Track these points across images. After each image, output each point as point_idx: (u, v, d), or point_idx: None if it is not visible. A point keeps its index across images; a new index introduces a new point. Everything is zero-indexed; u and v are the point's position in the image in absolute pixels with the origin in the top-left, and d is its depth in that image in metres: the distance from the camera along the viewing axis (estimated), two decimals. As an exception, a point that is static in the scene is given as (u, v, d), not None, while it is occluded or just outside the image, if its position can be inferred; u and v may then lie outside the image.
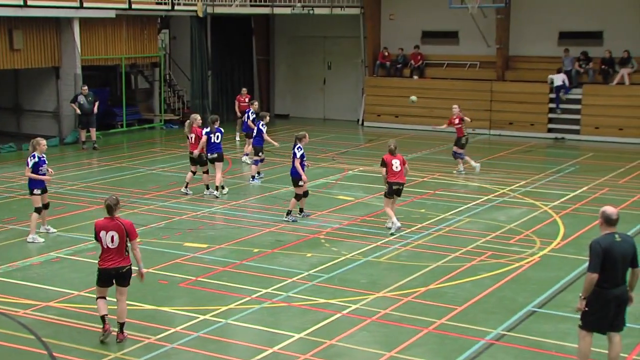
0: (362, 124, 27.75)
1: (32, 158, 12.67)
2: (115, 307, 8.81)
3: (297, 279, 10.86)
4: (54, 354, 8.42)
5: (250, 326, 9.24)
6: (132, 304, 9.80)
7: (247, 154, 20.04)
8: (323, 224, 13.88)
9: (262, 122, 17.27)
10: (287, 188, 16.75)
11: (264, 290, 10.37)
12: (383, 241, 12.85)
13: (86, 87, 22.18)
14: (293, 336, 8.95)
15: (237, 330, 9.15)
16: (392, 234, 13.06)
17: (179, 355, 8.47)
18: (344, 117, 28.70)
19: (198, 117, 16.24)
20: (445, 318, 9.49)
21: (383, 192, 13.49)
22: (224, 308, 9.74)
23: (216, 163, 15.82)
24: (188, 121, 16.29)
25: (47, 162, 12.90)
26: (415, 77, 27.20)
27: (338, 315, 9.59)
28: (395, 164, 13.15)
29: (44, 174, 12.76)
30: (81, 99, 21.95)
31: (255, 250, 12.28)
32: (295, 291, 10.37)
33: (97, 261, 11.52)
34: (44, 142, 12.87)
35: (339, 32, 28.76)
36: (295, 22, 29.42)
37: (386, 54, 27.73)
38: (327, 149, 22.30)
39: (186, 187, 16.03)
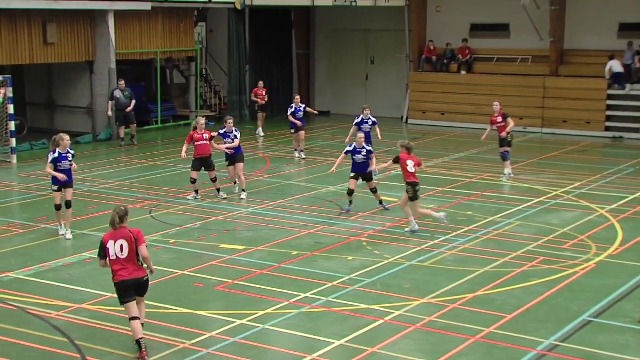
0: (407, 121, 27.65)
1: (52, 154, 12.86)
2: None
3: (338, 284, 10.86)
4: (87, 357, 8.55)
5: (288, 332, 9.27)
6: (166, 308, 9.91)
7: (296, 150, 20.20)
8: (365, 226, 13.86)
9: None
10: (327, 188, 16.77)
11: (303, 295, 10.39)
12: (428, 245, 12.79)
13: (123, 82, 22.44)
14: (333, 343, 8.95)
15: (275, 336, 9.20)
16: (406, 231, 13.24)
17: (215, 361, 8.54)
18: (387, 114, 28.60)
19: (202, 120, 15.61)
20: (494, 327, 9.40)
21: (407, 195, 13.38)
22: (261, 313, 9.79)
23: (237, 165, 15.62)
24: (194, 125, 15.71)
25: (70, 159, 12.87)
26: (463, 72, 27.00)
27: (380, 321, 9.57)
28: (410, 164, 13.21)
29: (62, 171, 12.84)
30: (118, 94, 22.28)
31: (294, 252, 12.32)
32: (336, 296, 10.38)
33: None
34: (67, 137, 13.04)
35: (382, 25, 28.69)
36: (337, 15, 29.44)
37: (432, 48, 27.58)
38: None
39: (197, 193, 15.65)
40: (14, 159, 19.81)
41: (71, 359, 8.55)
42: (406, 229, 13.45)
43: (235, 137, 15.68)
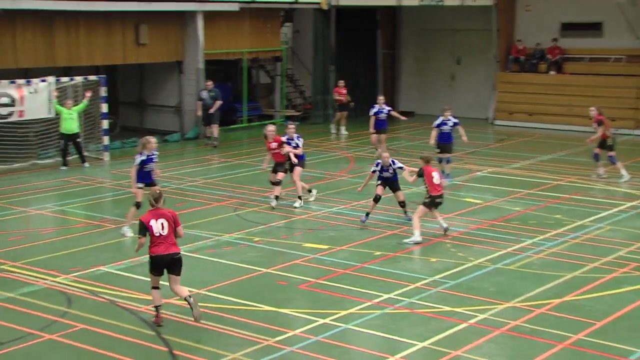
0: (493, 122, 27.21)
1: (139, 156, 13.08)
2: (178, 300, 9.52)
3: (421, 285, 10.80)
4: (175, 351, 8.77)
5: (370, 332, 9.27)
6: (250, 305, 10.07)
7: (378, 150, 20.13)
8: (449, 228, 13.73)
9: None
10: (410, 189, 16.72)
11: (386, 296, 10.37)
12: (514, 248, 12.57)
13: (210, 82, 22.82)
14: (415, 345, 8.91)
15: (357, 336, 9.21)
16: (406, 243, 12.74)
17: (298, 359, 8.62)
18: (473, 114, 28.22)
19: (271, 128, 15.37)
20: (583, 333, 9.17)
21: (422, 201, 13.19)
22: (344, 312, 9.82)
23: (295, 169, 15.41)
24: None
25: (154, 160, 13.16)
26: (552, 72, 26.38)
27: (464, 324, 9.47)
28: (436, 176, 13.01)
29: (147, 172, 13.11)
30: (204, 94, 22.69)
31: (377, 253, 12.30)
32: (419, 297, 10.32)
33: (215, 258, 11.94)
34: (153, 140, 13.27)
35: (469, 24, 28.32)
36: (423, 15, 29.23)
37: (520, 47, 27.06)
38: (454, 148, 21.99)
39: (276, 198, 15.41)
40: (107, 156, 20.47)
41: (159, 353, 8.78)
42: (408, 240, 12.88)
43: (297, 145, 15.38)
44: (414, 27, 29.81)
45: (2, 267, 11.56)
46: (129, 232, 13.23)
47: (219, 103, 22.72)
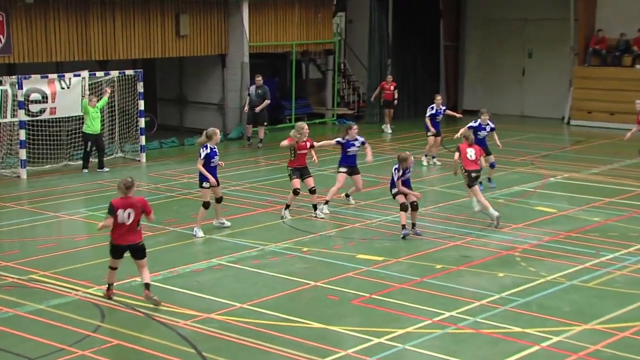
0: (569, 122, 26.83)
1: (204, 149, 13.69)
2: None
3: (487, 303, 10.69)
4: (214, 369, 8.82)
5: (430, 354, 9.20)
6: (297, 321, 10.08)
7: (426, 155, 20.00)
8: (518, 240, 13.56)
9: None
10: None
11: (447, 314, 10.29)
12: (592, 262, 12.35)
13: (260, 78, 22.73)
14: (481, 369, 8.82)
15: (416, 358, 9.15)
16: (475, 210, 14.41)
17: (349, 381, 8.60)
18: (547, 114, 27.89)
19: (305, 126, 15.12)
20: (671, 361, 8.95)
21: (465, 183, 14.73)
22: (400, 331, 9.78)
23: (356, 176, 15.42)
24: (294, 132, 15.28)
25: (218, 154, 13.84)
26: (638, 66, 25.90)
27: (535, 348, 9.33)
28: (471, 152, 14.48)
29: (214, 167, 13.70)
30: (251, 89, 22.77)
31: (438, 266, 12.23)
32: (484, 316, 10.22)
33: (260, 270, 11.99)
34: (218, 131, 14.04)
35: (542, 13, 27.98)
36: (491, 3, 28.99)
37: (601, 38, 26.62)
38: (525, 151, 21.79)
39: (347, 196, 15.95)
40: (143, 158, 20.76)
41: (198, 371, 8.84)
42: (474, 208, 14.54)
43: (363, 142, 15.32)
44: (481, 17, 29.58)
45: (31, 276, 11.80)
46: (199, 233, 13.76)
47: (267, 102, 22.72)
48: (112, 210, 10.36)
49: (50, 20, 20.33)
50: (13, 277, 11.70)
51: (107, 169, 19.38)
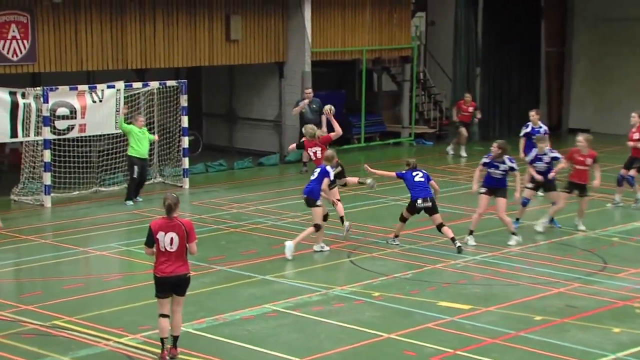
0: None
1: (333, 169, 14.78)
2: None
3: (598, 363, 10.48)
4: None
5: None
6: (368, 380, 10.01)
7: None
8: (637, 287, 13.27)
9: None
10: (584, 232, 16.33)
11: (549, 376, 10.12)
12: None
13: (310, 91, 22.86)
14: None
15: None
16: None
17: None
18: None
19: (314, 129, 16.55)
20: None
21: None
22: (491, 396, 9.63)
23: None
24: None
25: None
26: None
27: (658, 420, 9.08)
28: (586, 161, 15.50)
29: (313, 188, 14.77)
30: (302, 104, 22.84)
31: (538, 318, 12.03)
32: (595, 380, 10.02)
33: (323, 318, 11.96)
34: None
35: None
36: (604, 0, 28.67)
37: None
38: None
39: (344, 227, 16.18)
40: (186, 183, 20.97)
41: None
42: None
43: (512, 168, 15.44)
44: (592, 16, 29.21)
45: (55, 322, 11.95)
46: (325, 248, 15.02)
47: (325, 119, 22.47)
48: (151, 236, 10.28)
49: (81, 22, 20.75)
50: (34, 324, 11.86)
51: (141, 199, 19.55)
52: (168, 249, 10.22)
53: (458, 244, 15.29)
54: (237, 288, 13.47)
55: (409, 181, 15.33)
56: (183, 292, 10.48)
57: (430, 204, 15.22)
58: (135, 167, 19.16)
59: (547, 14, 29.46)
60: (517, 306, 12.54)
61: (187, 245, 10.28)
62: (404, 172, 15.46)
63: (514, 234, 15.68)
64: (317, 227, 15.02)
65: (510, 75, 28.61)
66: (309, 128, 16.67)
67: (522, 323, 11.85)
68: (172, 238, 10.19)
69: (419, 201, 15.21)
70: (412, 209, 15.34)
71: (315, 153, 16.38)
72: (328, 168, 15.19)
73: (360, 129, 26.12)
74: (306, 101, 22.74)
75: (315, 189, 15.02)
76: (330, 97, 23.93)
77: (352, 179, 16.80)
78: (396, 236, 15.72)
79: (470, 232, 15.71)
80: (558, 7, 29.55)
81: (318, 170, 15.25)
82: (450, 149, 25.08)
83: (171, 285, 10.35)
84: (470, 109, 24.77)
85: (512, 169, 15.56)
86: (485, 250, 15.34)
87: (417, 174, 15.36)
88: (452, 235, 15.30)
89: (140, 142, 19.23)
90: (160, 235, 10.22)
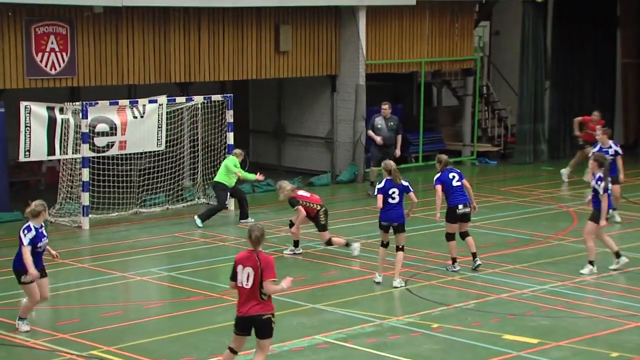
0: None
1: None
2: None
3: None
4: None
5: None
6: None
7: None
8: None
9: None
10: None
11: (625, 417, 9.98)
12: None
13: (388, 107, 22.28)
14: None
15: None
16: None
17: None
18: None
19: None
20: None
21: None
22: None
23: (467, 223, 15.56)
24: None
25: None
26: None
27: None
28: None
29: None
30: (379, 122, 22.23)
31: (614, 354, 11.88)
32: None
33: (377, 351, 11.93)
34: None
35: None
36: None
37: None
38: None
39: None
40: (232, 204, 20.98)
41: None
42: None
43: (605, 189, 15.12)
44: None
45: (92, 352, 12.04)
46: (401, 283, 14.76)
47: (400, 139, 22.39)
48: (233, 269, 10.06)
49: (123, 33, 21.01)
50: (71, 354, 11.95)
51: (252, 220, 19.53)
52: (244, 284, 9.97)
53: (478, 262, 15.43)
54: (286, 317, 13.44)
55: (448, 185, 15.33)
56: (262, 335, 10.09)
57: (468, 209, 15.37)
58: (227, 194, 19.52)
59: (624, 21, 29.10)
60: (590, 341, 12.40)
61: (262, 283, 9.91)
62: (439, 175, 15.42)
63: (591, 262, 15.48)
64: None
65: (582, 88, 28.33)
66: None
67: (597, 359, 11.72)
68: (248, 273, 9.93)
69: (460, 207, 15.24)
70: (454, 217, 15.33)
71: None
72: (405, 183, 14.97)
73: (418, 147, 26.07)
74: (378, 119, 22.22)
75: (402, 212, 14.81)
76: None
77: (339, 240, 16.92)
78: (454, 260, 15.64)
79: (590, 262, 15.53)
80: (636, 14, 29.12)
81: (396, 190, 14.85)
82: (566, 172, 23.89)
83: (246, 326, 10.08)
84: (597, 128, 22.82)
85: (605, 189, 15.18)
86: (555, 279, 15.20)
87: (454, 177, 15.41)
88: (474, 249, 15.40)
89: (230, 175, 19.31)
90: (239, 268, 10.01)
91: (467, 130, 27.56)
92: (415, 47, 25.36)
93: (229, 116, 21.12)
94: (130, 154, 20.60)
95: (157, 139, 20.27)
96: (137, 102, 20.25)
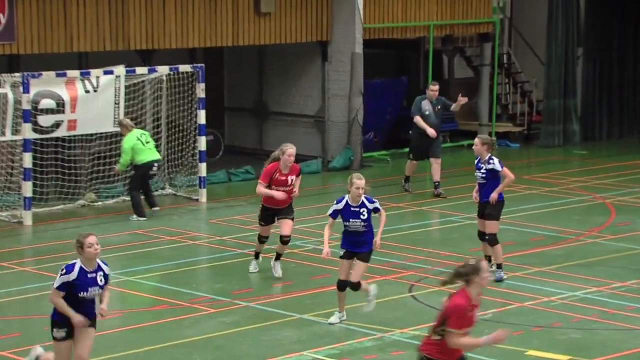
0: None
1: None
2: None
3: None
4: None
5: None
6: None
7: None
8: None
9: None
10: None
11: None
12: None
13: (437, 88, 21.57)
14: None
15: None
16: None
17: None
18: None
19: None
20: None
21: None
22: None
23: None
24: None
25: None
26: None
27: None
28: None
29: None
30: (427, 107, 21.48)
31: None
32: None
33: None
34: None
35: None
36: None
37: None
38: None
39: None
40: (203, 196, 21.04)
41: None
42: None
43: None
44: None
45: (37, 370, 12.05)
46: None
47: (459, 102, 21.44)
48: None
49: (72, -7, 20.92)
50: (9, 373, 11.99)
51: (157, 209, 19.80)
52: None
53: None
54: (269, 330, 13.50)
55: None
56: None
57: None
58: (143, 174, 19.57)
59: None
60: (631, 358, 12.46)
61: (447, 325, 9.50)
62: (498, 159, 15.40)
63: None
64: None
65: (623, 58, 28.34)
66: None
67: (636, 379, 11.82)
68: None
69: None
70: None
71: None
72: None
73: (425, 127, 26.06)
74: (425, 103, 21.50)
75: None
76: (387, 85, 23.97)
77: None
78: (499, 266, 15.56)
79: None
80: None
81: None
82: None
83: None
84: None
85: None
86: (585, 283, 15.24)
87: None
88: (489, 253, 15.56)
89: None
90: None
91: (485, 107, 27.56)
92: (422, 7, 25.36)
93: (200, 91, 21.11)
94: (81, 135, 20.53)
95: (114, 118, 20.20)
96: (89, 73, 20.17)
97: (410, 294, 14.94)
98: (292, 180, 15.61)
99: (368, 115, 24.24)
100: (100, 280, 10.81)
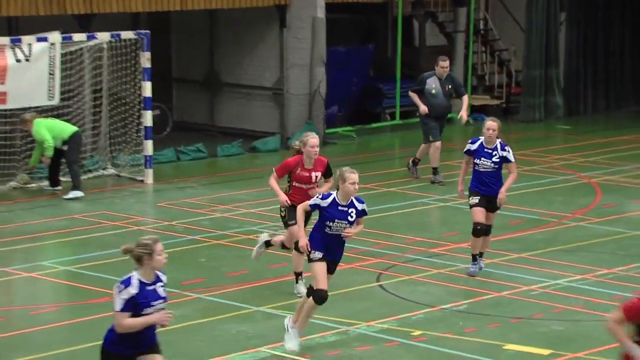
0: None
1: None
2: None
3: None
4: None
5: None
6: None
7: None
8: None
9: None
10: None
11: None
12: None
13: (447, 62, 21.10)
14: None
15: None
16: None
17: None
18: None
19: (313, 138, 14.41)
20: None
21: None
22: None
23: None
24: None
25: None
26: None
27: None
28: None
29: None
30: (434, 84, 20.95)
31: (645, 366, 12.03)
32: None
33: (307, 358, 11.96)
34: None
35: None
36: None
37: None
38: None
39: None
40: (149, 176, 20.99)
41: None
42: None
43: None
44: None
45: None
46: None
47: (466, 102, 21.28)
48: None
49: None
50: None
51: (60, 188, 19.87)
52: None
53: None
54: (222, 324, 13.51)
55: None
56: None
57: None
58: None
59: None
60: (617, 352, 12.51)
61: None
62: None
63: None
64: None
65: (609, 24, 28.48)
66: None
67: (622, 374, 11.88)
68: None
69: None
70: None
71: None
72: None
73: (394, 100, 26.14)
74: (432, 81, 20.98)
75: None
76: (352, 54, 23.96)
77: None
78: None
79: None
80: None
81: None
82: None
83: None
84: None
85: None
86: (572, 272, 15.32)
87: None
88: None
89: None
90: None
91: (460, 77, 27.54)
92: (390, -32, 25.41)
93: (145, 60, 21.06)
94: (12, 110, 20.42)
95: (49, 90, 20.11)
96: (20, 40, 20.06)
97: (378, 283, 14.95)
98: (316, 177, 14.25)
99: (331, 86, 24.24)
100: (163, 292, 9.63)
